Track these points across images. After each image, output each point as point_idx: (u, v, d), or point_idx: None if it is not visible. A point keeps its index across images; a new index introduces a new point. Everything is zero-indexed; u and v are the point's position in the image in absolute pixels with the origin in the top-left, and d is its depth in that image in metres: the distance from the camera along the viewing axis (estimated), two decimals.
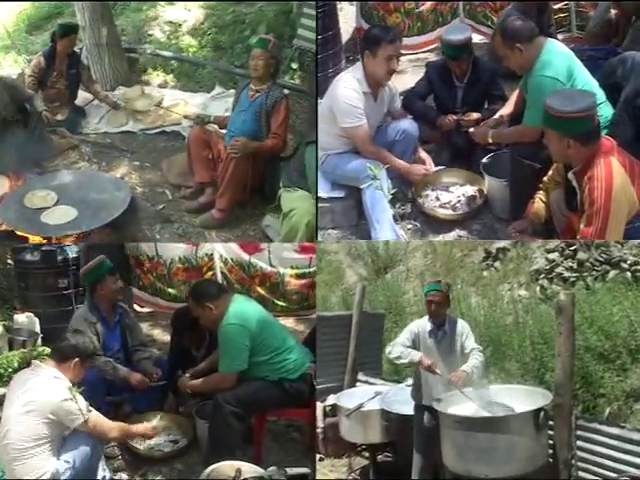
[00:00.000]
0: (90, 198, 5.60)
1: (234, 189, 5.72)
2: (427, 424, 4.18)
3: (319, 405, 5.38)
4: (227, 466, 3.84)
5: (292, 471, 3.97)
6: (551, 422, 3.90)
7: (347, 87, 5.12)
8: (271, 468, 3.93)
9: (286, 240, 5.59)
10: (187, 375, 4.70)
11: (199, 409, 4.70)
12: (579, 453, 3.95)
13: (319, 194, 5.48)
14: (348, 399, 5.05)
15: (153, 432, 4.29)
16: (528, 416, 3.69)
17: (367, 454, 4.97)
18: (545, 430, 3.81)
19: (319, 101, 5.88)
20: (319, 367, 5.53)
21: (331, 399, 5.39)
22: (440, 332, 4.26)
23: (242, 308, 4.44)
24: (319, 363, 5.53)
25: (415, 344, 4.23)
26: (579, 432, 3.95)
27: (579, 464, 3.95)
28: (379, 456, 5.00)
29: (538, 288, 6.05)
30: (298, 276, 7.15)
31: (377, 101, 5.33)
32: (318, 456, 5.34)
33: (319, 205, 5.47)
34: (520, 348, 5.21)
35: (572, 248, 5.96)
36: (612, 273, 5.70)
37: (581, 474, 3.95)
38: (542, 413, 3.70)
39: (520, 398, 3.99)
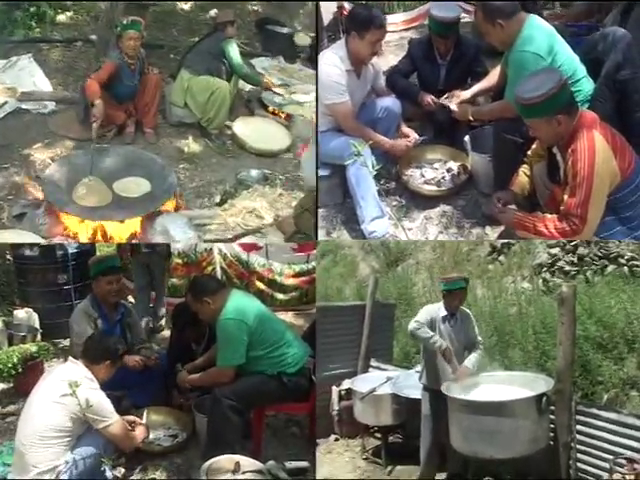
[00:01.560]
0: None
1: (156, 109, 6.66)
2: (433, 407, 4.22)
3: (334, 389, 5.44)
4: (226, 460, 3.71)
5: (291, 465, 3.87)
6: (552, 407, 3.91)
7: (329, 64, 4.90)
8: (270, 462, 3.82)
9: (210, 119, 6.66)
10: (185, 369, 4.58)
11: (198, 404, 4.52)
12: (578, 436, 3.98)
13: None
14: (362, 383, 5.10)
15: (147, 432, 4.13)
16: (531, 401, 3.70)
17: (379, 435, 5.00)
18: (547, 414, 3.82)
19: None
20: (334, 353, 5.62)
21: (346, 383, 5.41)
22: (452, 319, 4.28)
23: (240, 303, 4.27)
24: (334, 350, 5.63)
25: (431, 327, 4.22)
26: (579, 417, 3.98)
27: (578, 447, 3.98)
28: (390, 437, 5.02)
29: (540, 281, 6.07)
30: (296, 273, 7.16)
31: (360, 78, 5.12)
32: (333, 436, 5.42)
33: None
34: (523, 337, 5.22)
35: (573, 244, 5.98)
36: (610, 268, 5.72)
37: (580, 456, 3.98)
38: (544, 398, 3.72)
39: (524, 384, 4.00)
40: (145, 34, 6.67)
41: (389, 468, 4.80)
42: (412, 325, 4.21)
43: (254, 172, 6.34)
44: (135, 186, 5.66)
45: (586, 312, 4.95)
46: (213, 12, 8.31)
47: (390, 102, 5.35)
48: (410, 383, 4.71)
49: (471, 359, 4.16)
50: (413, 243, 7.75)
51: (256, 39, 9.20)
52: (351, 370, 5.66)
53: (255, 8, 10.13)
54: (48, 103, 6.94)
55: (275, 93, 7.61)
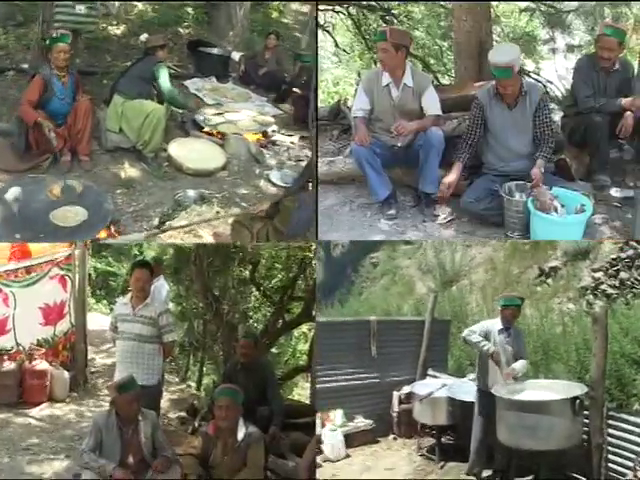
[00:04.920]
0: None
1: (90, 135, 6.50)
2: (485, 407, 4.83)
3: (395, 394, 6.15)
4: None
5: None
6: (586, 412, 4.52)
7: None
8: None
9: (146, 142, 6.58)
10: None
11: None
12: (609, 439, 4.56)
13: None
14: (421, 388, 5.78)
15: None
16: (566, 402, 4.33)
17: (434, 434, 5.59)
18: (580, 416, 4.42)
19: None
20: (395, 362, 6.34)
21: (406, 389, 6.10)
22: (507, 332, 4.92)
23: None
24: (395, 359, 6.35)
25: (486, 337, 4.88)
26: (610, 421, 4.56)
27: (609, 448, 4.56)
28: (443, 438, 5.61)
29: (584, 302, 6.57)
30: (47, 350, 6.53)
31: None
32: (392, 435, 6.11)
33: None
34: (565, 353, 5.70)
35: (615, 268, 6.49)
36: None
37: (610, 456, 4.56)
38: (578, 401, 4.33)
39: (562, 390, 4.60)
40: (78, 61, 6.79)
41: (441, 464, 5.38)
42: (465, 332, 4.96)
43: (191, 192, 6.32)
44: (72, 215, 5.53)
45: (623, 331, 5.40)
46: (144, 37, 8.29)
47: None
48: (463, 389, 5.37)
49: (518, 363, 4.78)
50: (468, 265, 8.38)
51: (189, 61, 9.37)
52: (409, 377, 6.34)
53: (187, 31, 10.43)
54: None
55: (208, 113, 7.73)
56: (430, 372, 6.42)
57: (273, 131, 7.71)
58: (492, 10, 7.65)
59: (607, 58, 5.61)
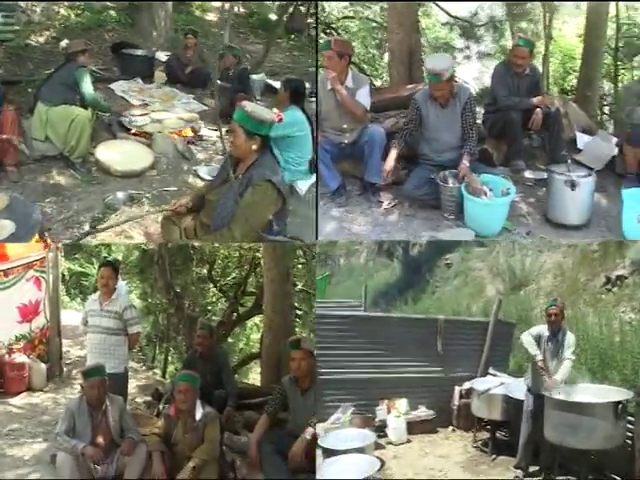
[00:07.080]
0: None
1: (17, 146, 6.36)
2: (534, 406, 5.18)
3: (457, 388, 6.56)
4: None
5: None
6: (631, 417, 4.78)
7: None
8: None
9: (73, 147, 6.59)
10: None
11: None
12: None
13: None
14: (480, 384, 6.15)
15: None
16: (609, 405, 4.63)
17: (489, 428, 5.92)
18: (623, 420, 4.69)
19: None
20: (459, 359, 6.76)
21: (467, 384, 6.48)
22: (554, 339, 5.21)
23: None
24: (459, 356, 6.78)
25: (538, 341, 5.20)
26: None
27: None
28: (497, 433, 5.93)
29: None
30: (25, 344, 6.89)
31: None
32: (450, 427, 6.51)
33: None
34: (622, 361, 5.99)
35: None
36: None
37: None
38: (620, 405, 4.62)
39: (607, 394, 4.91)
40: (0, 71, 6.74)
41: (493, 456, 5.71)
42: (524, 334, 5.32)
43: (120, 194, 6.31)
44: None
45: None
46: (64, 43, 8.31)
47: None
48: (520, 388, 5.61)
49: (561, 372, 5.06)
50: (537, 270, 8.63)
51: (113, 64, 9.39)
52: (471, 374, 6.73)
53: (111, 34, 10.44)
54: None
55: (134, 114, 7.78)
56: (491, 371, 6.79)
57: (199, 127, 7.92)
58: (419, 24, 8.86)
59: (520, 64, 6.59)
